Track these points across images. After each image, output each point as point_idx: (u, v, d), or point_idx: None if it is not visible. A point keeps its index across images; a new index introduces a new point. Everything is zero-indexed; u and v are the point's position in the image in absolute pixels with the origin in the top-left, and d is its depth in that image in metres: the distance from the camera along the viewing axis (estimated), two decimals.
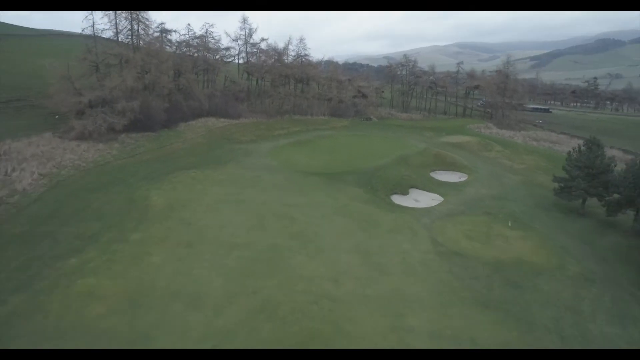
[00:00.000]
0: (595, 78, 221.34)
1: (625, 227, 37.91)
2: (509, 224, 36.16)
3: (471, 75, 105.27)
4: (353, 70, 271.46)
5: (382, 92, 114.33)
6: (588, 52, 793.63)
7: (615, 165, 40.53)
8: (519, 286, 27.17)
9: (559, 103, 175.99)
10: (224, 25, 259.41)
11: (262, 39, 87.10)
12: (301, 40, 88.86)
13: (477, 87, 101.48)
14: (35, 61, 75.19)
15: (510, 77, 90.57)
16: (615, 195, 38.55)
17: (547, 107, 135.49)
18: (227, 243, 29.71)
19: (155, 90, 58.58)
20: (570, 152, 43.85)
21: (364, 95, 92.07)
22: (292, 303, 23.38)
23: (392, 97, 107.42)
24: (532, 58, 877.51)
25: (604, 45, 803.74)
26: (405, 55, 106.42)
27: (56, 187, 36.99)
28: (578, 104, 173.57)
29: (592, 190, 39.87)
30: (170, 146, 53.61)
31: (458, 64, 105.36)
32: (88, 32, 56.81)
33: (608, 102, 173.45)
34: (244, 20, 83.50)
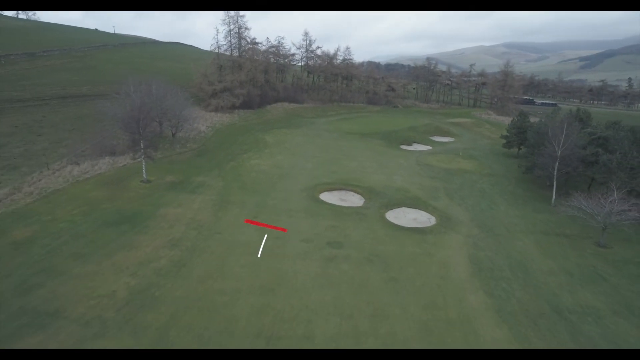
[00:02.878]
0: (630, 78, 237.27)
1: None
2: (460, 154, 64.86)
3: (481, 74, 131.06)
4: (394, 70, 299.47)
5: (414, 88, 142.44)
6: None
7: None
8: (453, 175, 56.04)
9: (577, 100, 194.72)
10: (291, 37, 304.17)
11: (318, 47, 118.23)
12: (347, 48, 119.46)
13: (484, 83, 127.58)
14: (165, 63, 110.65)
15: (509, 75, 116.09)
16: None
17: (554, 103, 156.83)
18: (310, 155, 60.60)
19: (253, 83, 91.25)
20: (512, 120, 71.32)
21: (393, 89, 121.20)
22: (343, 171, 53.83)
23: (417, 91, 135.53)
24: (582, 58, 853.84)
25: None
26: (427, 59, 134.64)
27: (217, 132, 69.72)
28: (595, 102, 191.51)
29: (519, 141, 67.35)
30: (265, 117, 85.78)
31: (471, 65, 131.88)
32: (213, 47, 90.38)
33: (624, 99, 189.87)
34: (306, 34, 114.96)
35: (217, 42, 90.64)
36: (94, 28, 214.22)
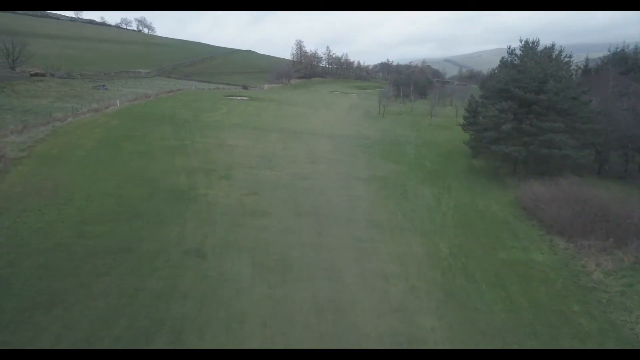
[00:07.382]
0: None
1: None
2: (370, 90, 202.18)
3: (415, 66, 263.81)
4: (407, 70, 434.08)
5: (381, 74, 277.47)
6: None
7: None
8: (366, 90, 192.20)
9: None
10: (320, 49, 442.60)
11: (333, 53, 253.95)
12: (347, 54, 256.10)
13: (414, 71, 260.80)
14: (258, 62, 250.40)
15: (425, 66, 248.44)
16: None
17: (465, 84, 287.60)
18: (329, 89, 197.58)
19: (306, 68, 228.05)
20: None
21: (368, 73, 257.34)
22: (339, 90, 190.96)
23: (382, 75, 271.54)
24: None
25: None
26: (395, 62, 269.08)
27: (297, 84, 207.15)
28: None
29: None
30: (311, 82, 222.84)
31: (423, 61, 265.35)
32: (292, 56, 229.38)
33: None
34: (327, 47, 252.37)
35: (293, 53, 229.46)
36: (197, 41, 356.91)
